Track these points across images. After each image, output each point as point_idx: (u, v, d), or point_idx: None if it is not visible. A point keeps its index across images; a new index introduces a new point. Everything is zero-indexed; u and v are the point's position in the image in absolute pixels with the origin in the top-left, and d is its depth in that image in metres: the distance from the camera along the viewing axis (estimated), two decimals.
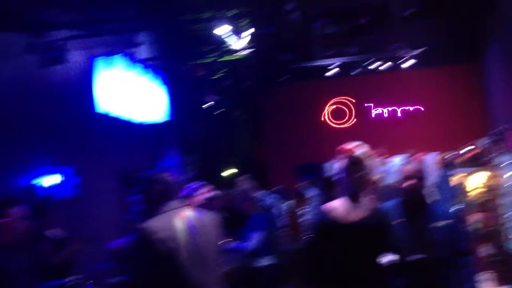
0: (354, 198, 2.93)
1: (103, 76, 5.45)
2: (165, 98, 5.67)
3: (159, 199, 2.72)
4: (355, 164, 2.93)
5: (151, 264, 2.51)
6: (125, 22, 6.43)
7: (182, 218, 2.67)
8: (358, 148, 3.01)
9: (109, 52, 5.74)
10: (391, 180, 6.05)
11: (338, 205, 2.95)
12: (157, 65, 7.57)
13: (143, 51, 7.64)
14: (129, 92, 5.23)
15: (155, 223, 2.58)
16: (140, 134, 7.45)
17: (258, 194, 6.08)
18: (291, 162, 10.26)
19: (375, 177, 4.72)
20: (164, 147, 5.60)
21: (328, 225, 2.91)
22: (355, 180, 2.93)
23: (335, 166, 3.06)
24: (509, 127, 6.84)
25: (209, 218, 2.91)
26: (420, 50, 8.29)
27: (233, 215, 5.89)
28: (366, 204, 2.97)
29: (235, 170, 12.93)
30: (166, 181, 2.79)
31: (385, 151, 9.24)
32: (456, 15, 8.93)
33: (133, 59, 5.12)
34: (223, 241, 5.14)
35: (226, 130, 12.44)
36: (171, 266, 2.50)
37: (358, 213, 2.91)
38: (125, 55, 5.25)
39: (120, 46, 7.41)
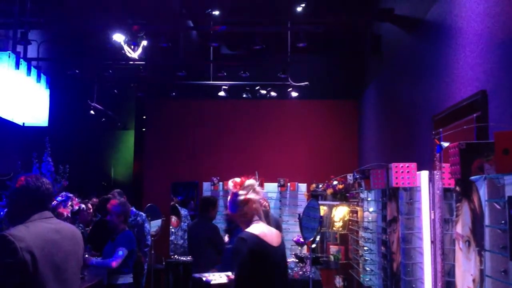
0: (266, 223, 3.12)
1: None
2: (47, 102, 5.37)
3: (29, 206, 2.61)
4: (256, 193, 3.06)
5: (6, 272, 2.35)
6: (15, 17, 6.06)
7: (48, 229, 2.59)
8: (250, 178, 3.14)
9: None
10: None
11: (260, 230, 3.04)
12: (43, 66, 7.18)
13: (31, 50, 7.22)
14: (10, 92, 4.88)
15: (20, 231, 2.46)
16: (16, 136, 6.94)
17: (130, 210, 5.92)
18: (170, 179, 10.15)
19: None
20: (40, 152, 5.29)
21: (264, 248, 2.98)
22: (257, 208, 3.06)
23: (238, 196, 3.11)
24: (374, 166, 7.39)
25: (73, 232, 2.83)
26: (306, 83, 8.69)
27: (101, 230, 5.69)
28: (274, 229, 3.18)
29: (110, 183, 12.53)
30: (39, 189, 2.67)
31: (260, 178, 9.56)
32: (343, 53, 9.59)
33: (19, 57, 4.78)
34: (86, 255, 4.96)
35: (107, 141, 12.03)
36: (29, 277, 2.38)
37: (276, 238, 3.09)
38: (12, 52, 4.89)
39: (6, 42, 6.88)
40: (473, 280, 2.43)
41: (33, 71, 4.99)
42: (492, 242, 2.29)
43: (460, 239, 2.66)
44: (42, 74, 5.15)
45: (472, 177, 2.45)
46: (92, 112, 9.65)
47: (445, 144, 2.49)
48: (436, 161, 3.63)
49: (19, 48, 6.03)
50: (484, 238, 2.31)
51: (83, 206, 5.03)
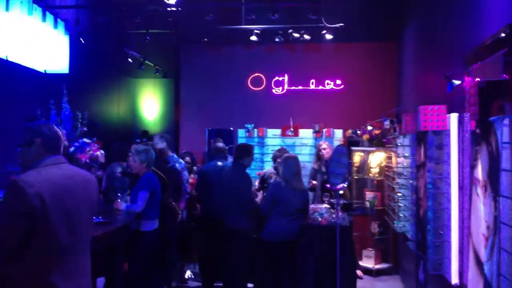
0: None
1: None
2: (66, 48, 5.34)
3: (40, 152, 2.60)
4: None
5: (17, 218, 2.36)
6: None
7: (60, 175, 2.57)
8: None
9: None
10: None
11: None
12: (63, 13, 7.15)
13: None
14: (28, 38, 4.85)
15: (31, 176, 2.45)
16: (36, 84, 7.03)
17: (153, 156, 5.92)
18: (205, 126, 10.17)
19: None
20: (60, 99, 5.30)
21: None
22: None
23: None
24: (406, 110, 7.10)
25: (87, 178, 2.82)
26: (340, 24, 8.30)
27: (128, 174, 5.73)
28: None
29: (144, 130, 12.79)
30: (50, 134, 2.65)
31: (295, 124, 9.45)
32: None
33: (33, 3, 4.72)
34: (118, 200, 5.03)
35: (140, 89, 12.09)
36: (39, 222, 2.38)
37: None
38: None
39: None
40: (487, 227, 2.28)
41: (49, 17, 4.93)
42: (509, 187, 2.13)
43: (477, 184, 2.50)
44: (59, 20, 5.09)
45: (491, 118, 2.26)
46: (129, 60, 9.72)
47: (456, 82, 2.29)
48: (466, 103, 3.40)
49: None
50: (500, 183, 2.15)
51: (102, 151, 5.05)
